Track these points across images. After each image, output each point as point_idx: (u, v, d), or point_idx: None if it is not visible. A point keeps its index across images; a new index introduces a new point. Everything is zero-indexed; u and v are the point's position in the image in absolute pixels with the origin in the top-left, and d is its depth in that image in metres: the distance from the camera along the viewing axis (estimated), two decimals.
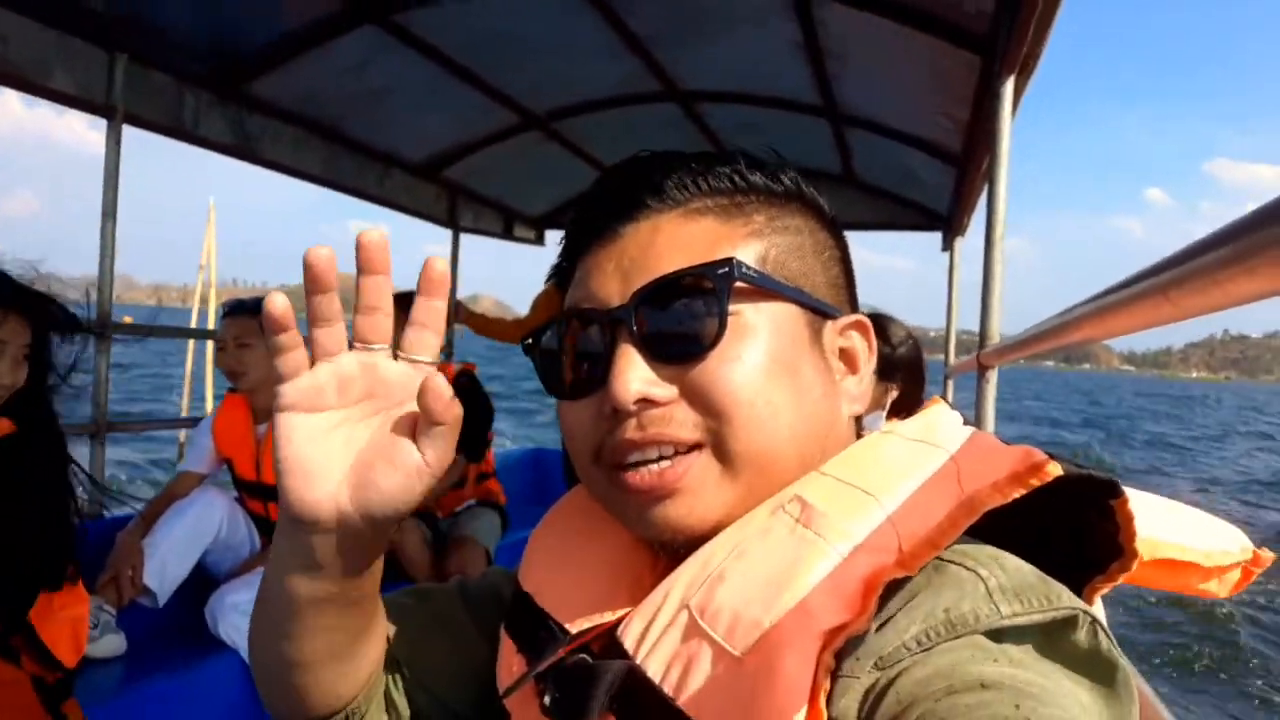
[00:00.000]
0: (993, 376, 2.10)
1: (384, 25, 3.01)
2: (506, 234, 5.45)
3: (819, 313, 0.68)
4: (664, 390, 0.63)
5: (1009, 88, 2.08)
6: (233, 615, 2.66)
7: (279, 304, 0.58)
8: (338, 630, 0.69)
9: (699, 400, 0.63)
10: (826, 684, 0.52)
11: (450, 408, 0.58)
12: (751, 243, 0.66)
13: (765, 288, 0.65)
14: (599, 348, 0.66)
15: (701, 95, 3.84)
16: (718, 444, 0.63)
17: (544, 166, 4.71)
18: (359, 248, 0.58)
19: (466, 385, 3.73)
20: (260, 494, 3.00)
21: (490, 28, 3.16)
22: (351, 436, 0.61)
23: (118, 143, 2.93)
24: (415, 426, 0.60)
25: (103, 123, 2.92)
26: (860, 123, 3.79)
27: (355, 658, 0.73)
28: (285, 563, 0.65)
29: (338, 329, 0.60)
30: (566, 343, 0.69)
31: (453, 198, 4.86)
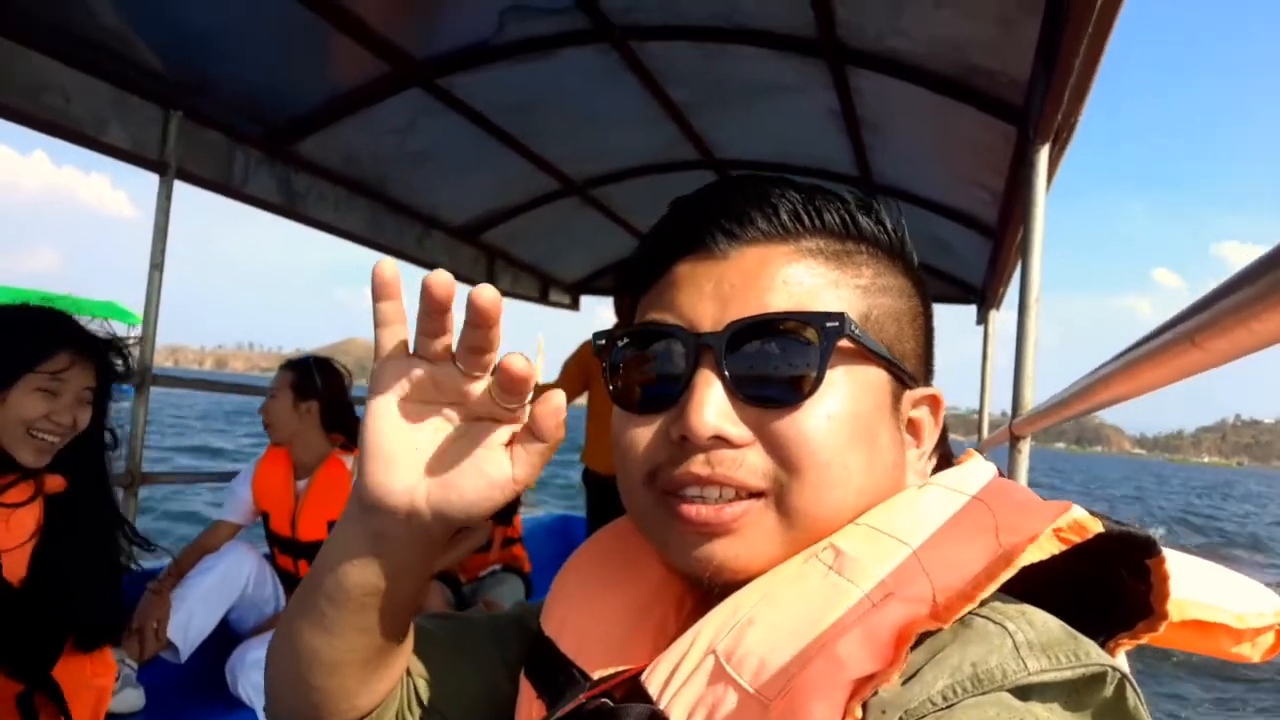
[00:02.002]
0: (1025, 447, 2.07)
1: (429, 89, 3.09)
2: (543, 299, 5.50)
3: (903, 380, 0.66)
4: (740, 431, 0.61)
5: (1043, 157, 2.08)
6: (254, 673, 2.64)
7: (388, 269, 0.56)
8: (373, 633, 0.67)
9: (776, 450, 0.60)
10: None
11: (561, 427, 0.58)
12: (858, 297, 0.64)
13: (866, 348, 0.62)
14: (679, 369, 0.63)
15: (737, 164, 3.88)
16: (782, 496, 0.61)
17: (581, 232, 4.77)
18: (473, 308, 0.55)
19: None
20: (292, 551, 2.99)
21: (532, 93, 3.24)
22: (439, 433, 0.59)
23: (169, 197, 3.01)
24: (509, 442, 0.59)
25: (130, 184, 3.03)
26: (895, 193, 3.80)
27: (380, 669, 0.71)
28: (345, 547, 0.64)
29: (444, 342, 0.57)
30: (642, 353, 0.65)
31: (491, 261, 4.92)
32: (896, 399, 0.66)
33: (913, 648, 0.52)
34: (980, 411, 4.66)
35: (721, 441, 0.60)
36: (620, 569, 0.73)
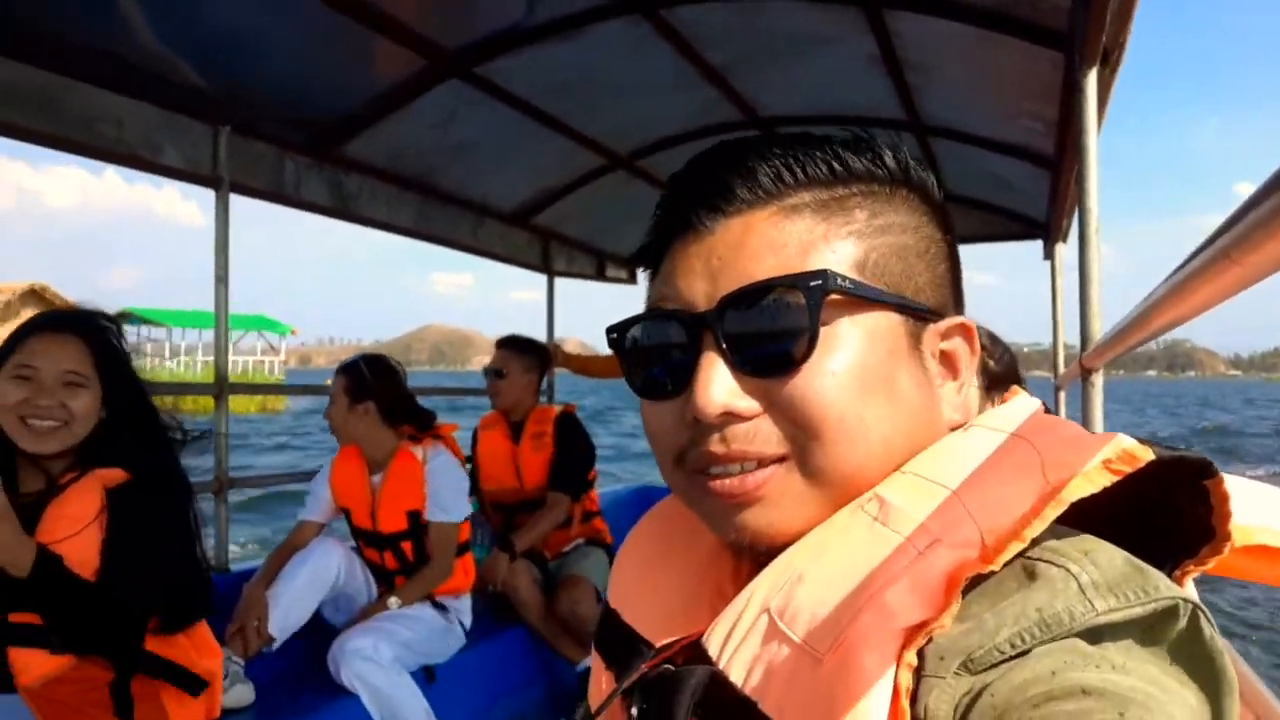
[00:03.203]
0: (1098, 380, 2.01)
1: (466, 78, 3.11)
2: (599, 275, 5.51)
3: (920, 317, 0.65)
4: (748, 403, 0.61)
5: (1092, 81, 2.01)
6: (355, 661, 2.72)
7: None
8: None
9: (786, 416, 0.60)
10: (909, 683, 0.50)
11: None
12: (850, 244, 0.63)
13: (862, 297, 0.61)
14: (684, 351, 0.63)
15: (782, 119, 3.82)
16: (803, 458, 0.61)
17: (632, 205, 4.76)
18: None
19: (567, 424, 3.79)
20: (376, 543, 3.08)
21: (568, 72, 3.23)
22: None
23: (226, 211, 3.09)
24: None
25: (200, 195, 3.09)
26: (946, 133, 3.71)
27: None
28: None
29: None
30: (651, 342, 0.67)
31: (545, 243, 4.95)
32: (915, 337, 0.64)
33: (968, 592, 0.52)
34: (1054, 346, 4.54)
35: (732, 417, 0.61)
36: (678, 539, 0.74)
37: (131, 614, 1.82)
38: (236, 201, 3.11)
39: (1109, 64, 2.07)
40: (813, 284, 0.60)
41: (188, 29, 2.66)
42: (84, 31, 2.50)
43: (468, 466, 3.41)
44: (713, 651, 0.61)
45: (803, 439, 0.60)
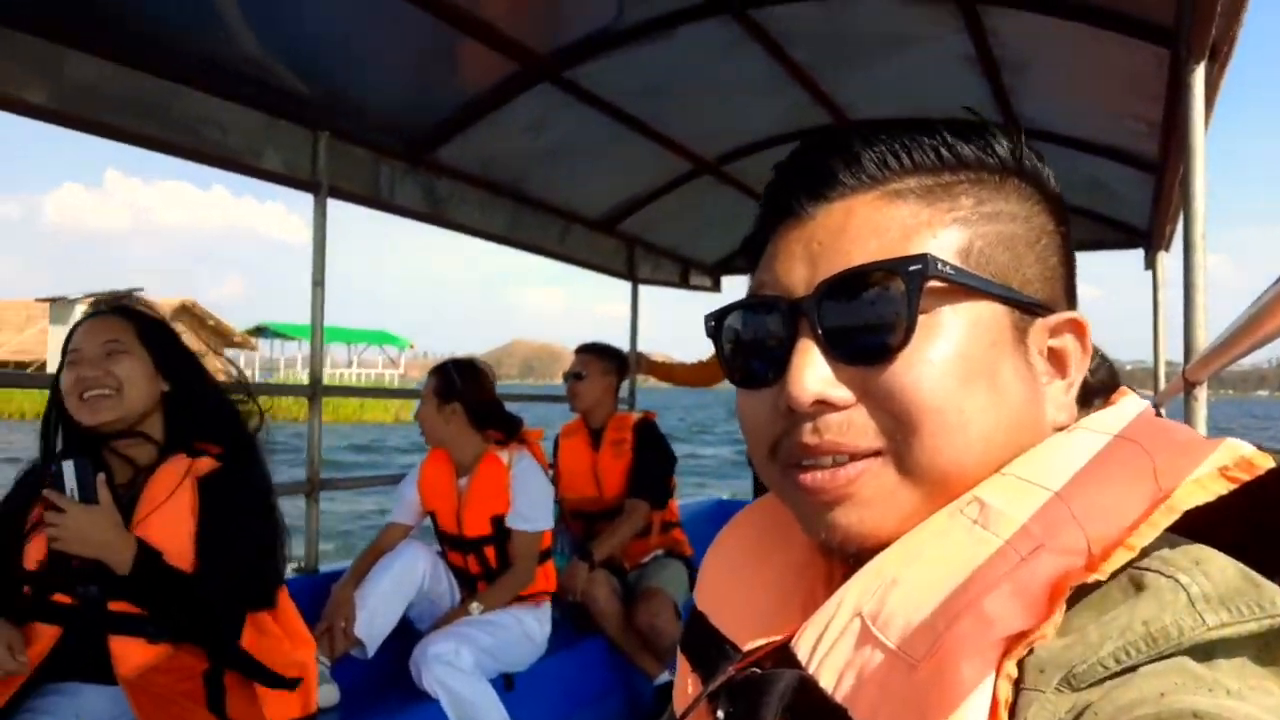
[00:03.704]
0: (1201, 394, 1.91)
1: (557, 82, 3.11)
2: (683, 283, 5.48)
3: (1028, 310, 0.62)
4: (843, 393, 0.59)
5: (1199, 77, 1.91)
6: (436, 666, 2.73)
7: None
8: None
9: (882, 406, 0.58)
10: (1009, 695, 0.48)
11: None
12: (955, 230, 0.60)
13: (964, 285, 0.59)
14: (780, 339, 0.61)
15: (871, 123, 3.74)
16: (899, 453, 0.58)
17: (717, 212, 4.72)
18: None
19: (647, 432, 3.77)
20: (460, 547, 3.09)
21: (656, 75, 3.21)
22: None
23: (324, 215, 3.14)
24: None
25: (303, 211, 3.16)
26: (1043, 135, 3.57)
27: None
28: None
29: None
30: (748, 330, 0.65)
31: (630, 249, 4.94)
32: (1021, 331, 0.61)
33: (1072, 604, 0.50)
34: (1155, 362, 4.36)
35: (826, 406, 0.59)
36: (768, 542, 0.73)
37: (229, 605, 1.86)
38: (343, 213, 3.17)
39: (1217, 59, 1.97)
40: (912, 269, 0.57)
41: (290, 37, 2.73)
42: (192, 40, 2.58)
43: (549, 473, 3.40)
44: (802, 656, 0.59)
45: (898, 432, 0.58)
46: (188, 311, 42.05)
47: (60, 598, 1.82)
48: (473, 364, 3.22)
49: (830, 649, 0.57)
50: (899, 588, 0.55)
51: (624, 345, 5.06)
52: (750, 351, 0.65)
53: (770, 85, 3.34)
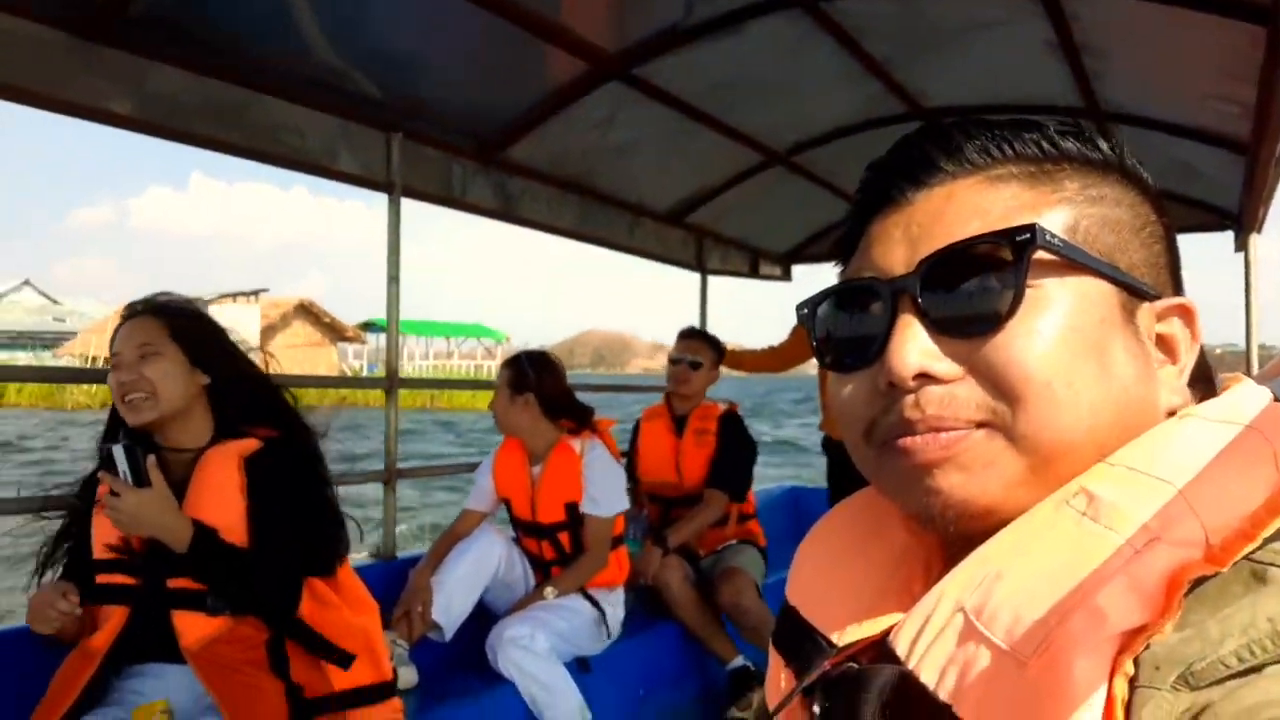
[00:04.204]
0: None
1: (625, 80, 3.15)
2: (753, 273, 5.48)
3: (1135, 292, 0.60)
4: (947, 365, 0.58)
5: None
6: (511, 649, 2.80)
7: None
8: None
9: (987, 379, 0.57)
10: (1124, 693, 0.46)
11: None
12: (1060, 210, 0.60)
13: (1072, 259, 0.58)
14: (879, 319, 0.61)
15: (948, 110, 3.68)
16: (1004, 426, 0.57)
17: (787, 202, 4.71)
18: None
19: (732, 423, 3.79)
20: (535, 533, 3.16)
21: (726, 70, 3.23)
22: None
23: (398, 214, 3.23)
24: None
25: (378, 208, 3.24)
26: (1128, 119, 3.49)
27: None
28: None
29: None
30: (844, 312, 0.65)
31: (699, 241, 4.96)
32: (1129, 312, 0.60)
33: (1188, 595, 0.48)
34: (1248, 347, 4.21)
35: (928, 379, 0.58)
36: (864, 536, 0.71)
37: (284, 575, 1.93)
38: (417, 212, 3.25)
39: None
40: (1020, 238, 0.57)
41: (363, 43, 2.81)
42: (270, 49, 2.68)
43: (623, 461, 3.44)
44: (901, 651, 0.58)
45: (1003, 404, 0.56)
46: (306, 309, 44.78)
47: (124, 579, 1.92)
48: (545, 356, 3.28)
49: (931, 644, 0.55)
50: (1004, 581, 0.53)
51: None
52: (847, 334, 0.65)
53: (841, 76, 3.32)
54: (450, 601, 2.91)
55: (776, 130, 3.88)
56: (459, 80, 3.16)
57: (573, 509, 3.11)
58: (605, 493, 3.12)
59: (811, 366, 4.60)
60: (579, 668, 2.97)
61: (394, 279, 3.27)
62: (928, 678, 0.55)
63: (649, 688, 3.33)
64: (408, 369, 50.21)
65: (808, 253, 5.54)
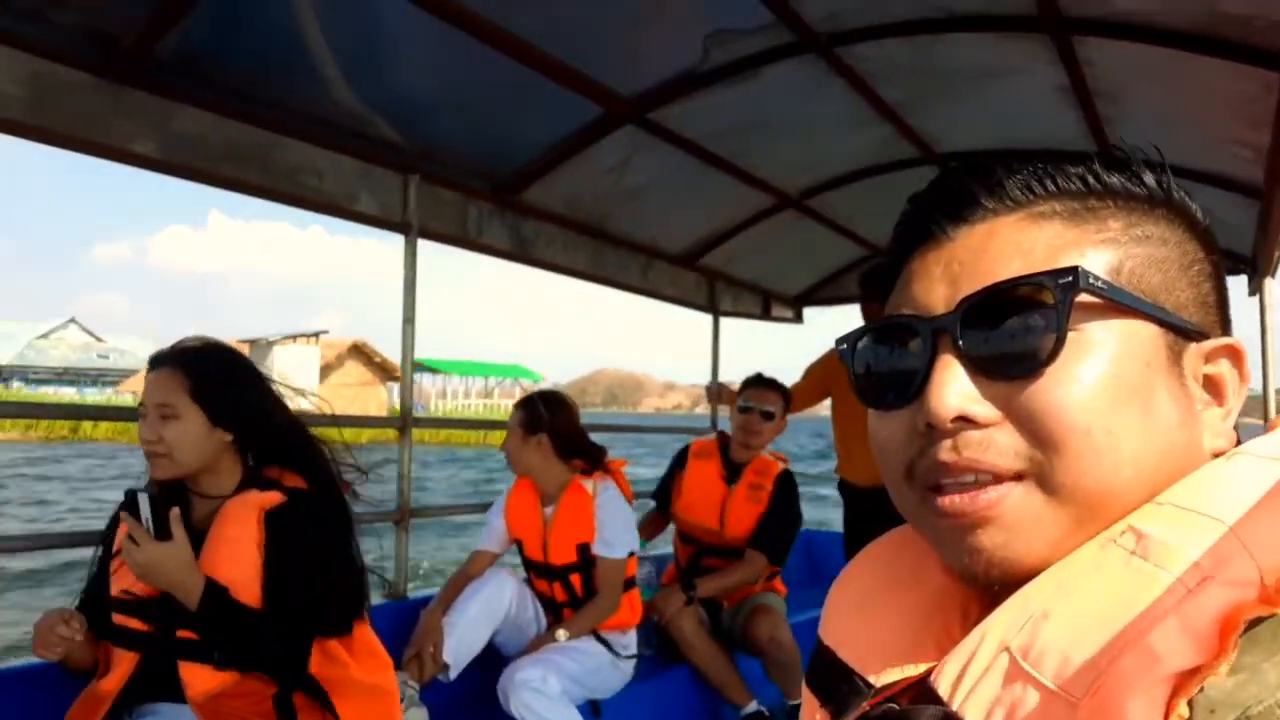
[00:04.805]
0: None
1: (641, 124, 3.19)
2: (765, 315, 5.50)
3: (1182, 333, 0.60)
4: (986, 409, 0.57)
5: None
6: (523, 692, 2.77)
7: None
8: None
9: (1026, 424, 0.56)
10: None
11: None
12: (1103, 250, 0.59)
13: (1116, 301, 0.57)
14: (918, 358, 0.60)
15: (960, 155, 3.72)
16: (1043, 476, 0.56)
17: (799, 245, 4.74)
18: None
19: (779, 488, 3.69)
20: (546, 574, 3.14)
21: (741, 114, 3.27)
22: None
23: (414, 255, 3.26)
24: None
25: (394, 248, 3.27)
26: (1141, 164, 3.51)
27: None
28: None
29: None
30: (883, 350, 0.65)
31: (712, 284, 4.98)
32: (1175, 354, 0.59)
33: (1241, 636, 0.47)
34: (1265, 389, 4.19)
35: (967, 423, 0.57)
36: (901, 576, 0.70)
37: (294, 637, 1.89)
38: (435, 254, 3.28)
39: None
40: (1063, 281, 0.56)
41: (382, 87, 2.86)
42: (291, 92, 2.73)
43: (636, 503, 3.42)
44: (943, 691, 0.57)
45: (1042, 452, 0.56)
46: (359, 350, 47.79)
47: (136, 623, 1.91)
48: (558, 396, 3.28)
49: (976, 684, 0.54)
50: (1051, 622, 0.53)
51: (704, 374, 5.09)
52: (886, 372, 0.64)
53: (855, 120, 3.36)
54: (461, 642, 2.89)
55: (789, 174, 3.91)
56: (476, 123, 3.21)
57: (584, 550, 3.09)
58: (618, 534, 3.10)
59: (824, 408, 4.60)
60: (591, 711, 2.94)
61: (409, 320, 3.29)
62: (973, 718, 0.54)
63: None
64: (451, 406, 54.53)
65: (819, 296, 5.56)
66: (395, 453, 3.24)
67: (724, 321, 5.22)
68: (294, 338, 44.36)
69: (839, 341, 0.69)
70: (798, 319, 5.66)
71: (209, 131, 2.60)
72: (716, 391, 4.88)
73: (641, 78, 3.01)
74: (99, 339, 59.95)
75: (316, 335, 45.71)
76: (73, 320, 61.46)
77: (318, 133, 2.87)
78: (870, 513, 4.33)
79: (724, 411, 5.14)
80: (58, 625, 1.82)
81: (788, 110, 3.30)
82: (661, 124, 3.23)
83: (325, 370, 43.33)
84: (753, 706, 3.38)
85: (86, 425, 35.68)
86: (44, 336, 57.03)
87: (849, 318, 4.39)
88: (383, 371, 47.95)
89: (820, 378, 4.42)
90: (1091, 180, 0.62)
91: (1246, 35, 2.27)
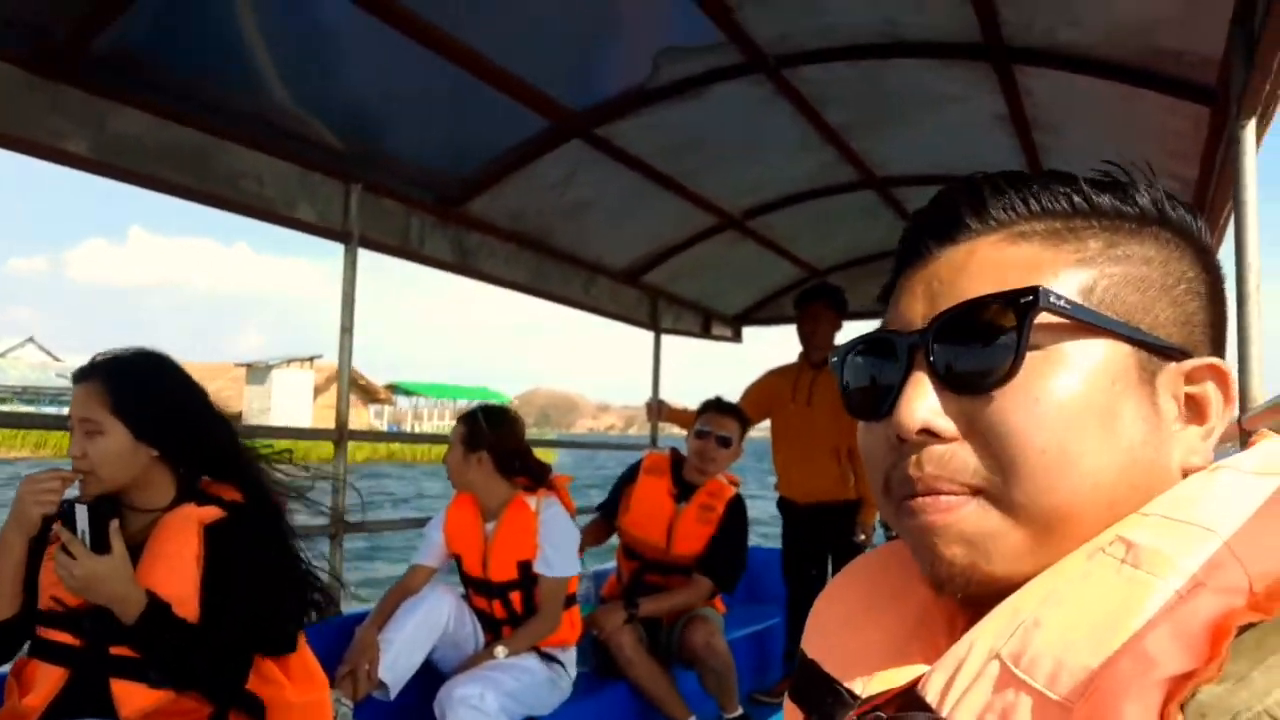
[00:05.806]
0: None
1: (588, 139, 3.19)
2: (705, 333, 5.54)
3: (1158, 352, 0.60)
4: (948, 424, 0.59)
5: (1249, 133, 1.94)
6: (460, 709, 2.72)
7: None
8: None
9: (983, 442, 0.58)
10: None
11: None
12: (1077, 270, 0.60)
13: (1082, 320, 0.58)
14: (896, 371, 0.62)
15: (899, 180, 3.81)
16: (997, 495, 0.57)
17: (741, 264, 4.79)
18: None
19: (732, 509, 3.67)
20: (485, 591, 3.09)
21: (687, 132, 3.29)
22: None
23: (354, 265, 3.20)
24: None
25: (326, 265, 3.21)
26: None
27: None
28: None
29: None
30: (867, 363, 0.66)
31: (654, 301, 5.01)
32: (1149, 373, 0.60)
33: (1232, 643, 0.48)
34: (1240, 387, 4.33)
35: (931, 436, 0.59)
36: (887, 589, 0.71)
37: (233, 655, 1.84)
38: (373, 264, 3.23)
39: (1266, 117, 2.00)
40: (1024, 300, 0.57)
41: (326, 93, 2.82)
42: (231, 95, 2.67)
43: (578, 519, 3.39)
44: (932, 699, 0.57)
45: (997, 474, 0.57)
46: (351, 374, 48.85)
47: (66, 638, 1.83)
48: (503, 411, 3.24)
49: (966, 691, 0.55)
50: (1043, 629, 0.53)
51: (645, 390, 5.09)
52: (869, 384, 0.66)
53: (800, 143, 3.41)
54: (397, 660, 2.82)
55: (733, 194, 3.96)
56: (421, 133, 3.18)
57: (526, 568, 3.05)
58: (560, 553, 3.07)
59: (763, 430, 4.62)
60: None
61: (347, 330, 3.23)
62: None
63: None
64: (430, 427, 55.22)
65: (758, 315, 5.62)
66: (375, 470, 3.18)
67: (665, 339, 5.24)
68: (287, 362, 46.34)
69: (831, 352, 0.70)
70: (736, 338, 5.72)
71: (146, 133, 2.53)
72: (657, 409, 4.88)
73: (590, 92, 3.02)
74: (57, 358, 59.93)
75: (311, 360, 47.34)
76: (30, 340, 62.29)
77: (259, 137, 2.81)
78: (801, 527, 4.39)
79: (664, 429, 5.15)
80: (49, 480, 1.81)
81: (734, 130, 3.34)
82: (609, 140, 3.24)
83: (316, 392, 45.37)
84: None
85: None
86: (1, 356, 56.39)
87: (787, 337, 4.43)
88: (366, 393, 50.93)
89: (758, 399, 4.44)
90: (1078, 199, 0.63)
91: (1179, 70, 2.37)
